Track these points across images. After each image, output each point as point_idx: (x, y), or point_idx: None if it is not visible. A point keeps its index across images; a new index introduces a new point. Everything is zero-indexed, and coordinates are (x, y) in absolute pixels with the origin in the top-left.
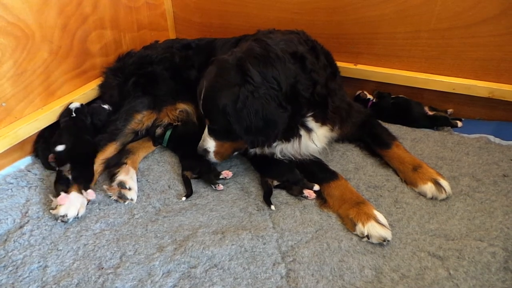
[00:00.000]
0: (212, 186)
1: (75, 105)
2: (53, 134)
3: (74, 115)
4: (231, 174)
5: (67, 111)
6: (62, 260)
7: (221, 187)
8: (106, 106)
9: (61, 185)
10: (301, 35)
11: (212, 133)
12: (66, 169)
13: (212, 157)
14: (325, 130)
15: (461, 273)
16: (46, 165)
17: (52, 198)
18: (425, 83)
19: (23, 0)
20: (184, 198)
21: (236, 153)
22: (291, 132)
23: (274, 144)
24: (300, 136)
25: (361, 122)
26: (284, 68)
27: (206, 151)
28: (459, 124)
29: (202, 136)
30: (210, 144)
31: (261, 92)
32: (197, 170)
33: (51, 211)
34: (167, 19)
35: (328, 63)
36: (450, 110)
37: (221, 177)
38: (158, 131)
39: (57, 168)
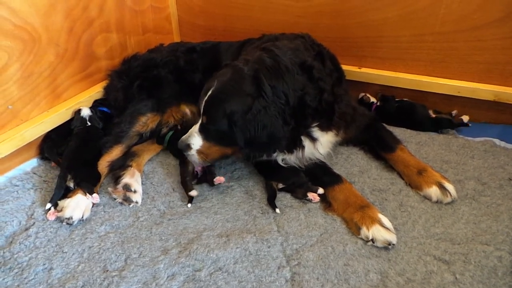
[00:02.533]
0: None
1: (87, 112)
2: (60, 136)
3: (89, 124)
4: (224, 180)
5: (80, 120)
6: (67, 262)
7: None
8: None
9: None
10: (307, 40)
11: (203, 132)
12: (68, 178)
13: (193, 154)
14: (330, 136)
15: (468, 278)
16: (54, 158)
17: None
18: (430, 86)
19: (30, 3)
20: (189, 205)
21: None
22: (293, 144)
23: (274, 155)
24: (303, 147)
25: (365, 126)
26: (293, 81)
27: (188, 147)
28: (465, 118)
29: (189, 131)
30: (196, 141)
31: (272, 108)
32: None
33: (56, 213)
34: (172, 23)
35: (334, 68)
36: (454, 112)
37: (215, 183)
38: (164, 130)
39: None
